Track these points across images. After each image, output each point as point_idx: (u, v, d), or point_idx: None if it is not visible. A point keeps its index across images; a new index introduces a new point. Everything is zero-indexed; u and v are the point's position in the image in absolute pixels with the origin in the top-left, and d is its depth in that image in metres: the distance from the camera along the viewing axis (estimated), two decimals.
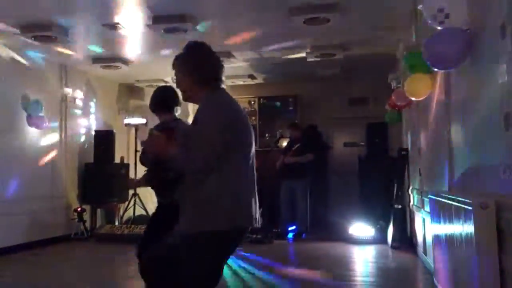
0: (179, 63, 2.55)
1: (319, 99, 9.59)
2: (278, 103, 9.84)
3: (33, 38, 6.04)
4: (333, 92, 9.51)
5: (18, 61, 6.96)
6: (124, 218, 8.42)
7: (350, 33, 6.34)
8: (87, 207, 8.13)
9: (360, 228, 7.12)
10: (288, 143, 8.23)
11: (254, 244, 7.16)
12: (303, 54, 7.36)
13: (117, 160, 8.48)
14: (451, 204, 2.77)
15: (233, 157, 2.37)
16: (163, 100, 3.63)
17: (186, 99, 2.62)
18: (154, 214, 3.65)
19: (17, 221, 6.74)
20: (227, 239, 2.38)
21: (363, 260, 6.18)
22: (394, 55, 5.90)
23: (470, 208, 2.21)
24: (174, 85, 2.88)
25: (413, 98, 4.78)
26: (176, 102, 3.65)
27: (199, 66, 2.49)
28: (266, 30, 6.28)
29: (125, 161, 8.79)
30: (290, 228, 7.60)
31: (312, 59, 7.47)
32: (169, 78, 8.35)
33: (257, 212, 2.49)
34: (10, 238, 6.59)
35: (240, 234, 2.47)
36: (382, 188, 6.96)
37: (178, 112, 3.71)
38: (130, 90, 9.68)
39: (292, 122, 8.78)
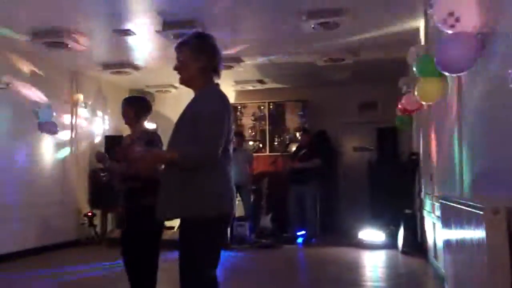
0: (188, 48, 2.58)
1: (329, 104, 9.57)
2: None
3: (44, 45, 6.11)
4: (342, 97, 9.48)
5: (30, 68, 7.04)
6: None
7: (359, 37, 6.33)
8: (98, 212, 8.18)
9: (370, 233, 7.08)
10: (296, 148, 8.22)
11: (263, 249, 7.15)
12: (312, 59, 7.36)
13: None
14: (462, 209, 2.75)
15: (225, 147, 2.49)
16: (142, 110, 3.62)
17: (182, 82, 2.65)
18: (128, 215, 3.66)
19: (29, 226, 6.80)
20: (217, 224, 2.49)
21: (373, 265, 6.14)
22: (404, 60, 5.86)
23: (481, 213, 2.19)
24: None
25: (423, 103, 4.75)
26: (150, 111, 3.74)
27: (207, 54, 2.56)
28: (276, 35, 6.30)
29: None
30: (299, 233, 7.58)
31: (322, 64, 7.47)
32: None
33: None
34: (22, 242, 6.65)
35: (227, 220, 2.58)
36: (392, 192, 6.91)
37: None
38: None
39: (302, 127, 8.77)
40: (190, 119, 2.50)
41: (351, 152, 9.60)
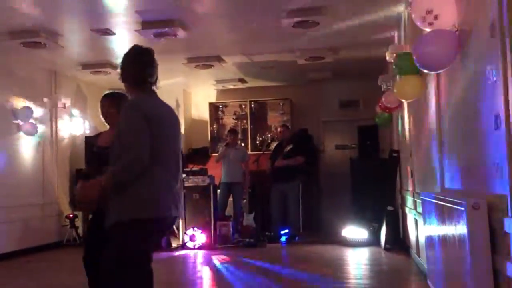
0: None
1: (310, 102, 9.61)
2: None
3: (22, 45, 6.00)
4: (324, 95, 9.54)
5: (8, 68, 6.90)
6: None
7: (339, 36, 6.37)
8: (79, 213, 8.06)
9: (353, 231, 7.13)
10: (276, 145, 8.21)
11: (246, 247, 7.16)
12: (293, 58, 7.38)
13: None
14: (444, 205, 2.78)
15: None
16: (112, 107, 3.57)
17: None
18: (91, 220, 3.63)
19: (9, 229, 6.68)
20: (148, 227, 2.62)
21: (357, 262, 6.18)
22: (384, 58, 5.92)
23: (462, 208, 2.21)
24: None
25: (403, 100, 4.80)
26: None
27: (126, 64, 2.82)
28: (256, 33, 6.29)
29: None
30: (282, 231, 7.59)
31: (302, 63, 7.49)
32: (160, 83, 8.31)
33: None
34: (2, 245, 6.53)
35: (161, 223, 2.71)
36: (374, 190, 6.96)
37: None
38: (120, 91, 9.63)
39: (283, 124, 8.79)
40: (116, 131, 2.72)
41: (333, 150, 9.66)
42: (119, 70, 2.89)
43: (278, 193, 7.79)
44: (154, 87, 2.81)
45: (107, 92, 3.80)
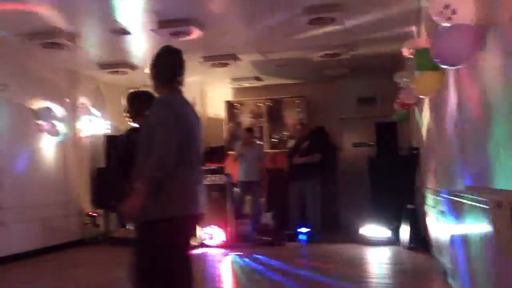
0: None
1: (326, 100, 9.55)
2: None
3: (41, 46, 6.08)
4: (340, 92, 9.47)
5: (28, 69, 7.01)
6: None
7: (355, 32, 6.31)
8: (101, 211, 8.17)
9: (373, 229, 7.05)
10: (294, 144, 8.18)
11: (265, 246, 7.14)
12: (309, 55, 7.33)
13: None
14: (466, 203, 2.73)
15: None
16: (142, 106, 3.58)
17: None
18: None
19: (32, 227, 6.80)
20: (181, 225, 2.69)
21: (377, 261, 6.12)
22: (401, 54, 5.84)
23: (486, 207, 2.17)
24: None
25: (422, 96, 4.73)
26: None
27: (156, 63, 2.89)
28: (272, 31, 6.26)
29: None
30: (301, 230, 7.55)
31: (318, 60, 7.44)
32: None
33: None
34: (26, 244, 6.65)
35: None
36: (393, 188, 6.88)
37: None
38: (142, 90, 9.70)
39: (299, 121, 8.75)
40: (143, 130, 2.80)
41: (350, 147, 9.58)
42: (147, 70, 2.94)
43: (296, 191, 7.76)
44: (180, 87, 2.87)
45: (132, 90, 3.87)
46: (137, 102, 3.66)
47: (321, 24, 5.75)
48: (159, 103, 2.78)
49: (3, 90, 6.39)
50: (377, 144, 8.49)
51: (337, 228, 8.29)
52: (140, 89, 3.89)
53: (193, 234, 3.06)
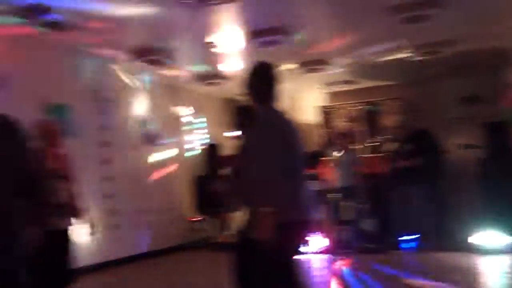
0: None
1: (426, 100, 9.10)
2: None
3: (144, 62, 6.54)
4: (441, 91, 8.99)
5: (133, 84, 7.56)
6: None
7: (454, 28, 5.99)
8: (203, 217, 8.54)
9: (485, 236, 6.47)
10: (396, 147, 7.88)
11: (368, 253, 6.92)
12: (406, 55, 7.09)
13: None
14: None
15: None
16: (244, 119, 3.69)
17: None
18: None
19: (141, 232, 7.28)
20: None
21: (495, 271, 5.53)
22: (506, 49, 5.44)
23: None
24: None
25: None
26: None
27: (248, 86, 2.96)
28: (363, 33, 6.16)
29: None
30: (405, 237, 7.20)
31: (416, 59, 7.16)
32: None
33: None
34: (135, 247, 7.13)
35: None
36: (508, 192, 6.30)
37: None
38: (232, 103, 10.02)
39: (399, 124, 8.43)
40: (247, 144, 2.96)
41: (455, 149, 9.02)
42: (241, 87, 3.04)
43: (400, 196, 7.44)
44: (276, 101, 2.93)
45: (239, 104, 4.04)
46: (242, 115, 3.77)
47: (416, 22, 5.54)
48: (259, 120, 2.84)
49: (114, 102, 6.95)
50: (487, 146, 7.88)
51: (445, 235, 7.76)
52: (244, 103, 4.01)
53: (304, 240, 3.10)
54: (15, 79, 5.29)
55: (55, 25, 5.02)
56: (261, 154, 2.71)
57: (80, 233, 4.24)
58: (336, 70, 7.84)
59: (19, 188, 1.91)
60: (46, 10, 4.70)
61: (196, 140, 8.97)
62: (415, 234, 7.16)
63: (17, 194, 1.88)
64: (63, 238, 3.97)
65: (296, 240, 2.88)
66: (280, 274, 2.74)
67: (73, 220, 4.05)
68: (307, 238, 5.42)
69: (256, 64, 2.98)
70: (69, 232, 4.04)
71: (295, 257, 2.89)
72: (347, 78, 8.66)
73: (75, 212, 4.08)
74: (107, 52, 6.33)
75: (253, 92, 2.94)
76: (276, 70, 2.95)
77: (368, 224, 7.61)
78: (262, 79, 2.92)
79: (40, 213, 3.56)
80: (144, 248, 7.31)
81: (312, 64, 7.34)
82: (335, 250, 7.04)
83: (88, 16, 5.05)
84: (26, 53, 5.63)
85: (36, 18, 4.78)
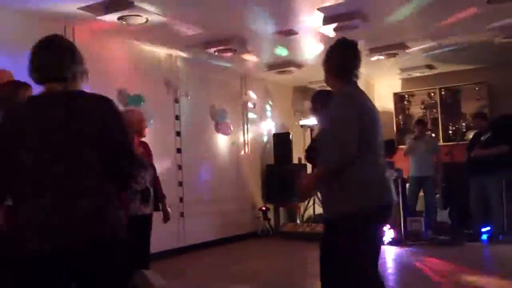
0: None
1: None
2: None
3: (216, 52, 6.58)
4: None
5: (205, 74, 7.66)
6: (305, 217, 8.64)
7: None
8: (271, 206, 8.57)
9: None
10: (474, 135, 7.45)
11: (441, 245, 6.68)
12: (489, 37, 6.62)
13: (295, 160, 8.76)
14: None
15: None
16: (323, 103, 3.57)
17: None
18: None
19: (211, 220, 7.43)
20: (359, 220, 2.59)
21: None
22: None
23: None
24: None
25: None
26: None
27: (331, 56, 2.83)
28: (443, 14, 5.80)
29: (303, 162, 9.03)
30: (483, 229, 6.86)
31: (500, 41, 6.68)
32: None
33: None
34: (206, 234, 7.29)
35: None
36: None
37: None
38: (303, 92, 9.91)
39: (478, 112, 7.96)
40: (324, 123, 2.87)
41: None
42: (318, 65, 2.99)
43: (477, 187, 7.04)
44: (356, 79, 2.81)
45: (317, 89, 3.99)
46: (320, 100, 3.69)
47: (502, 1, 5.14)
48: (338, 98, 2.75)
49: (188, 96, 7.10)
50: None
51: None
52: (323, 88, 3.93)
53: (384, 225, 3.01)
54: (94, 71, 5.52)
55: (134, 19, 5.15)
56: (339, 133, 2.58)
57: (157, 220, 4.39)
58: (412, 55, 7.49)
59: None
60: (128, 4, 4.83)
61: (264, 128, 8.97)
62: (493, 226, 6.78)
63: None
64: (144, 224, 4.12)
65: (378, 228, 2.76)
66: (360, 261, 2.61)
67: (153, 206, 4.21)
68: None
69: (338, 41, 2.84)
70: (149, 218, 4.19)
71: (377, 245, 2.76)
72: (425, 63, 8.26)
73: (156, 199, 4.24)
74: (180, 42, 6.42)
75: (330, 69, 2.82)
76: (357, 47, 2.81)
77: (442, 215, 7.31)
78: (340, 55, 2.79)
79: (125, 198, 3.74)
80: (214, 235, 7.44)
81: (386, 49, 7.05)
82: (404, 241, 6.81)
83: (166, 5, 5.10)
84: (104, 45, 5.89)
85: (118, 11, 4.92)
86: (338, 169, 2.59)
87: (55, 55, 1.97)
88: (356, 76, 2.79)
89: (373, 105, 2.84)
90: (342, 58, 2.78)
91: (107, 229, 1.88)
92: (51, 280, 1.86)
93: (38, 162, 1.86)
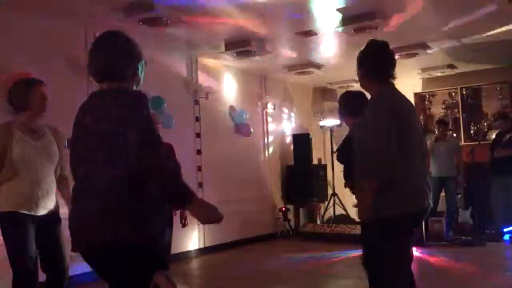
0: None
1: None
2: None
3: (235, 54, 6.63)
4: None
5: (226, 76, 7.72)
6: (325, 217, 8.63)
7: None
8: (291, 207, 8.58)
9: None
10: (497, 135, 7.37)
11: (463, 246, 6.61)
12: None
13: (315, 161, 8.75)
14: None
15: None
16: (354, 105, 3.53)
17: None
18: None
19: (231, 221, 7.45)
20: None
21: None
22: None
23: None
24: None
25: None
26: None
27: (365, 60, 2.81)
28: (465, 13, 5.74)
29: (322, 162, 9.02)
30: (505, 229, 6.77)
31: None
32: None
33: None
34: (226, 235, 7.32)
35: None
36: None
37: None
38: (323, 93, 9.91)
39: (501, 112, 7.85)
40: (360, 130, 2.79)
41: None
42: (354, 69, 2.91)
43: (499, 187, 6.98)
44: (392, 80, 2.78)
45: (346, 91, 4.00)
46: (351, 103, 3.62)
47: None
48: (373, 104, 2.71)
49: (207, 98, 7.16)
50: None
51: None
52: (353, 90, 3.89)
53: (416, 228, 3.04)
54: None
55: (153, 21, 5.22)
56: (376, 137, 2.55)
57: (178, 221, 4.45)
58: (433, 55, 7.42)
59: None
60: (148, 7, 4.90)
61: (284, 129, 8.98)
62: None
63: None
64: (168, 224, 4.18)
65: (413, 231, 2.78)
66: (397, 263, 2.65)
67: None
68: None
69: (369, 44, 2.83)
70: (172, 219, 4.25)
71: (410, 246, 2.77)
72: (446, 62, 8.17)
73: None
74: (200, 44, 6.48)
75: (366, 73, 2.78)
76: (389, 48, 2.79)
77: (464, 216, 7.24)
78: (375, 57, 2.76)
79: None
80: (233, 237, 7.46)
81: (406, 49, 6.99)
82: (425, 242, 6.76)
83: (186, 10, 5.16)
84: None
85: (138, 14, 4.99)
86: (384, 177, 2.56)
87: (106, 54, 2.00)
88: (393, 77, 2.76)
89: (411, 106, 2.83)
90: (376, 61, 2.76)
91: (108, 234, 1.81)
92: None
93: (71, 167, 2.00)
